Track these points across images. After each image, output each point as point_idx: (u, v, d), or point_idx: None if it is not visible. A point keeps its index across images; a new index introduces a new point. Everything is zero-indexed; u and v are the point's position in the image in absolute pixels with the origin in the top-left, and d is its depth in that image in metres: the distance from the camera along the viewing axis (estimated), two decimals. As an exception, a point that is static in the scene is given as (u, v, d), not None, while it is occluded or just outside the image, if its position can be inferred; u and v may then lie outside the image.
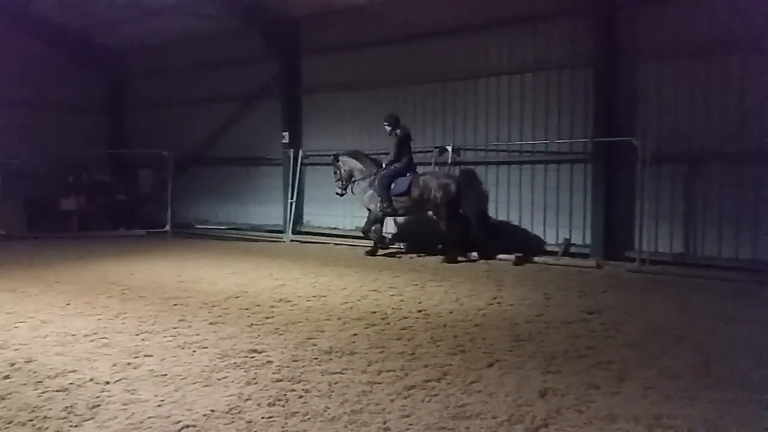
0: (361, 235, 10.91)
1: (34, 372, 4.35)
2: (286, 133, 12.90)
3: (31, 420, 3.54)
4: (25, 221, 13.98)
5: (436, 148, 10.98)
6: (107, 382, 4.17)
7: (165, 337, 5.33)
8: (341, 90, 12.48)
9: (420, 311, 6.33)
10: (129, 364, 4.57)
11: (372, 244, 10.49)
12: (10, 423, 3.49)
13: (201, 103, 14.83)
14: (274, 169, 13.47)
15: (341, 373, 4.38)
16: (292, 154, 12.77)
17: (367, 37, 11.93)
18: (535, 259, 9.51)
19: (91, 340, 5.18)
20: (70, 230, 13.78)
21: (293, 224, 12.82)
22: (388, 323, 5.85)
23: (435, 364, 4.58)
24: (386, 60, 11.80)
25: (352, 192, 10.86)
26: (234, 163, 14.36)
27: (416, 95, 11.45)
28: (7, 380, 4.18)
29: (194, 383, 4.18)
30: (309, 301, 6.84)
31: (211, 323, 5.82)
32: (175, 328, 5.63)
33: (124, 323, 5.77)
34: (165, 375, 4.34)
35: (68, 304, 6.54)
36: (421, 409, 3.72)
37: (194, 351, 4.92)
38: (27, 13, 14.41)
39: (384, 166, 10.34)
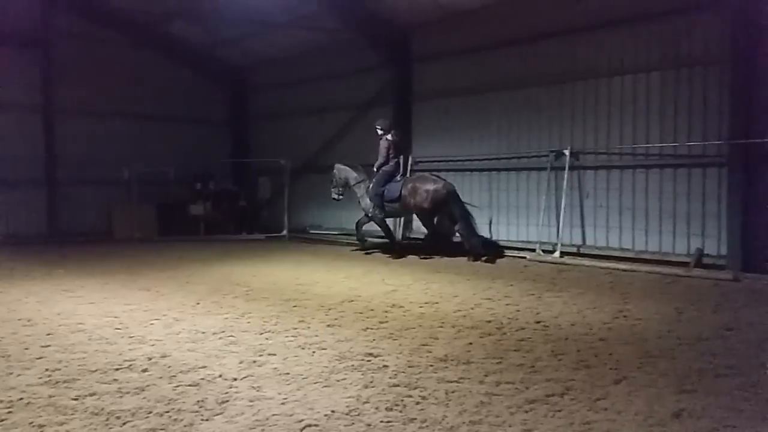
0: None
1: (169, 366, 4.65)
2: (395, 141, 13.05)
3: (167, 412, 3.76)
4: (157, 225, 15.18)
5: (552, 152, 10.60)
6: (234, 379, 4.36)
7: (286, 337, 5.51)
8: (453, 95, 12.40)
9: (538, 322, 6.09)
10: (254, 362, 4.76)
11: (391, 245, 11.27)
12: (149, 413, 3.73)
13: (316, 113, 15.37)
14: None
15: (458, 382, 4.30)
16: (401, 161, 12.86)
17: (480, 41, 11.78)
18: (664, 271, 8.88)
19: (220, 338, 5.46)
20: (197, 234, 14.77)
21: (403, 230, 12.89)
22: (505, 333, 5.68)
23: (557, 379, 4.37)
24: (499, 63, 11.58)
25: (341, 196, 11.85)
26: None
27: (531, 98, 11.13)
28: (146, 373, 4.49)
29: (315, 383, 4.28)
30: (421, 307, 6.81)
31: (328, 325, 5.95)
32: (296, 328, 5.81)
33: (249, 322, 6.04)
34: (288, 374, 4.47)
35: (198, 303, 6.96)
36: (544, 424, 3.56)
37: (314, 352, 5.04)
38: (160, 34, 15.72)
39: (375, 170, 10.95)
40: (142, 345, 5.23)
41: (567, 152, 10.38)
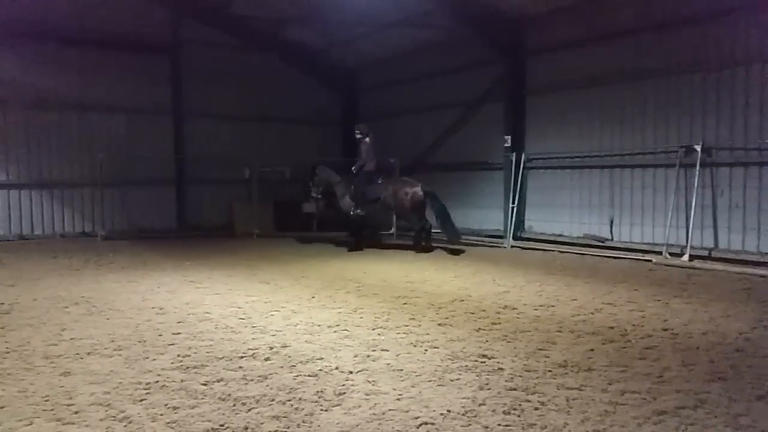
0: (598, 243, 10.67)
1: (289, 357, 4.81)
2: (508, 137, 12.73)
3: (289, 400, 3.89)
4: (274, 222, 15.87)
5: (681, 147, 9.86)
6: (350, 372, 4.44)
7: (398, 333, 5.53)
8: (569, 89, 11.92)
9: (666, 330, 5.68)
10: (368, 356, 4.82)
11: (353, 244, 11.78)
12: (272, 401, 3.88)
13: (426, 110, 15.39)
14: (495, 173, 13.39)
15: (579, 389, 4.09)
16: (513, 158, 12.55)
17: (598, 31, 11.24)
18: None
19: (334, 331, 5.59)
20: (310, 231, 15.28)
21: (514, 230, 12.58)
22: (629, 341, 5.35)
23: (688, 390, 4.05)
24: (620, 54, 10.97)
25: (319, 196, 12.43)
26: (455, 168, 14.61)
27: (657, 90, 10.44)
28: (268, 362, 4.68)
29: (429, 381, 4.25)
30: (536, 310, 6.59)
31: (439, 324, 5.91)
32: (407, 326, 5.83)
33: (361, 317, 6.14)
34: (401, 370, 4.48)
35: (313, 297, 7.18)
36: (677, 439, 3.30)
37: (426, 350, 5.02)
38: (278, 39, 16.42)
39: (354, 170, 11.55)
40: (264, 335, 5.46)
41: (698, 148, 9.62)
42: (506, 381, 4.27)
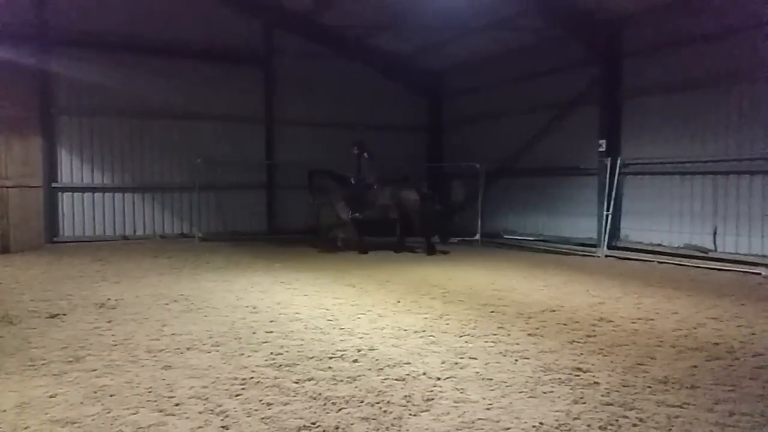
0: (701, 253, 10.16)
1: (376, 360, 4.84)
2: (602, 141, 12.22)
3: (378, 403, 3.90)
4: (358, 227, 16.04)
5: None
6: (438, 378, 4.40)
7: (486, 342, 5.43)
8: (669, 91, 11.30)
9: (781, 349, 5.25)
10: (456, 363, 4.76)
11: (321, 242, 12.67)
12: (361, 402, 3.91)
13: (513, 115, 15.11)
14: (588, 179, 12.89)
15: (681, 407, 3.85)
16: (609, 163, 12.04)
17: (701, 29, 10.58)
18: None
19: (421, 337, 5.56)
20: (394, 236, 15.31)
21: (609, 238, 12.05)
22: (737, 358, 4.97)
23: (810, 416, 3.70)
24: (726, 54, 10.28)
25: (308, 201, 13.30)
26: (545, 174, 14.22)
27: (765, 93, 9.70)
28: (356, 364, 4.73)
29: (520, 392, 4.14)
30: (634, 323, 6.26)
31: (529, 334, 5.74)
32: (495, 334, 5.71)
33: (447, 324, 6.08)
34: (491, 379, 4.39)
35: (398, 302, 7.19)
36: (799, 469, 3.01)
37: (516, 360, 4.89)
38: (365, 46, 16.67)
39: (353, 181, 12.39)
40: (351, 337, 5.52)
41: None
42: (602, 395, 4.08)
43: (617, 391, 4.17)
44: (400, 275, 9.40)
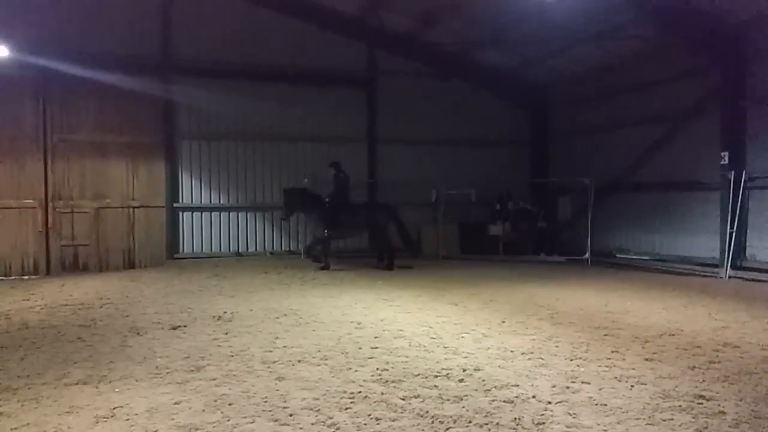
0: None
1: (483, 380, 4.76)
2: (725, 154, 11.35)
3: (486, 424, 3.84)
4: (459, 244, 15.97)
5: None
6: (549, 402, 4.25)
7: (600, 366, 5.18)
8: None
9: None
10: (567, 387, 4.58)
11: (321, 262, 12.79)
12: (469, 422, 3.86)
13: (624, 127, 14.44)
14: (709, 194, 12.01)
15: (828, 447, 3.47)
16: (732, 177, 11.16)
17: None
18: None
19: (529, 359, 5.41)
20: (495, 254, 15.10)
21: (732, 258, 11.15)
22: None
23: None
24: None
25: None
26: (660, 189, 13.41)
27: None
28: (462, 384, 4.68)
29: (637, 419, 3.93)
30: (765, 350, 5.74)
31: (646, 359, 5.42)
32: (609, 358, 5.44)
33: (557, 346, 5.87)
34: (605, 405, 4.19)
35: (503, 322, 7.04)
36: None
37: (632, 385, 4.64)
38: (467, 62, 16.66)
39: (327, 200, 12.87)
40: (456, 356, 5.47)
41: None
42: (730, 426, 3.79)
43: (747, 422, 3.85)
44: (504, 294, 9.20)
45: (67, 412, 4.09)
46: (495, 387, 4.59)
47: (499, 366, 5.18)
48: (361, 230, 13.60)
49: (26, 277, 13.46)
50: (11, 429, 3.81)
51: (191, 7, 15.07)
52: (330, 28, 16.10)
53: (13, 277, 13.47)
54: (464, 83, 17.19)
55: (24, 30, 13.34)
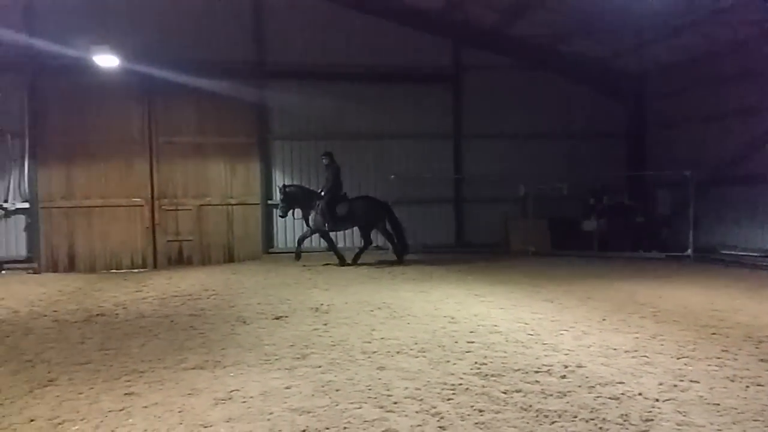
0: None
1: (586, 377, 4.69)
2: None
3: (592, 419, 3.80)
4: (549, 239, 15.61)
5: None
6: (656, 400, 4.15)
7: (709, 365, 4.97)
8: None
9: None
10: (675, 386, 4.44)
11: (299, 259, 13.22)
12: (575, 417, 3.83)
13: (726, 117, 13.61)
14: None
15: None
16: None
17: None
18: None
19: (632, 357, 5.26)
20: (590, 250, 14.64)
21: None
22: None
23: None
24: None
25: (293, 216, 13.76)
26: (768, 181, 12.57)
27: None
28: (564, 380, 4.63)
29: (755, 420, 3.77)
30: None
31: (761, 360, 5.14)
32: (719, 358, 5.20)
33: (662, 345, 5.67)
34: (717, 404, 4.04)
35: (604, 320, 6.86)
36: None
37: (747, 386, 4.43)
38: (555, 54, 16.25)
39: (323, 193, 12.97)
40: (556, 353, 5.41)
41: None
42: None
43: None
44: (602, 292, 8.94)
45: (189, 394, 4.42)
46: (599, 384, 4.51)
47: (601, 363, 5.08)
48: (357, 222, 13.55)
49: (136, 271, 14.49)
50: (142, 407, 4.17)
51: (281, 12, 15.64)
52: (415, 25, 16.20)
53: (124, 271, 14.54)
54: (553, 75, 16.80)
55: (131, 40, 14.33)
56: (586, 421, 3.76)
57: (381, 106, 16.21)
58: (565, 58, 16.37)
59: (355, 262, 13.20)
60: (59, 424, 3.91)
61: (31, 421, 3.97)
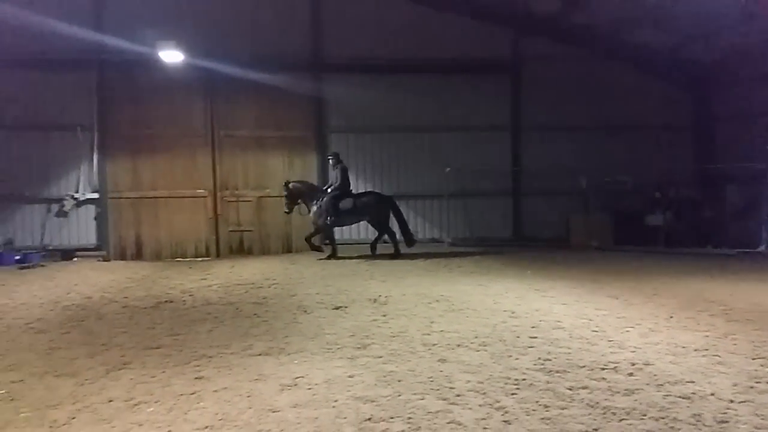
0: None
1: (654, 375, 4.54)
2: None
3: (662, 418, 3.69)
4: (612, 234, 15.18)
5: None
6: (731, 401, 3.98)
7: (793, 368, 4.74)
8: None
9: None
10: (751, 387, 4.25)
11: (326, 251, 13.36)
12: (644, 416, 3.72)
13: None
14: None
15: None
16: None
17: None
18: None
19: (703, 356, 5.07)
20: (655, 245, 14.16)
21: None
22: None
23: None
24: None
25: (299, 213, 13.59)
26: None
27: None
28: (632, 377, 4.50)
29: (844, 428, 3.55)
30: None
31: None
32: (799, 360, 4.95)
33: (735, 344, 5.42)
34: (801, 410, 3.84)
35: (671, 317, 6.63)
36: None
37: (833, 391, 4.19)
38: (619, 43, 15.74)
39: (329, 190, 13.20)
40: (622, 350, 5.26)
41: None
42: None
43: None
44: (669, 288, 8.62)
45: (256, 380, 4.54)
46: (668, 382, 4.37)
47: (670, 362, 4.92)
48: (361, 218, 13.70)
49: (199, 259, 14.99)
50: (212, 391, 4.32)
51: (337, 6, 15.77)
52: (473, 14, 16.03)
53: (189, 259, 15.06)
54: (616, 65, 16.34)
55: (193, 37, 14.79)
56: (656, 420, 3.65)
57: (438, 97, 16.14)
58: (630, 47, 15.86)
59: (373, 251, 13.32)
60: (135, 405, 4.09)
61: (110, 401, 4.17)
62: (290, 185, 13.50)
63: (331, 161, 13.79)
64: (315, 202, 13.25)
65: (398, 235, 13.59)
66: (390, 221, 13.56)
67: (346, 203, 13.19)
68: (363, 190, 14.26)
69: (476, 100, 16.28)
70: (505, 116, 16.51)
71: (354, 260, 12.57)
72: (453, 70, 16.14)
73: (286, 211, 13.60)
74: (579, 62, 16.30)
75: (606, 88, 16.24)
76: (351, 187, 13.58)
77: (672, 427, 3.55)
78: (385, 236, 13.61)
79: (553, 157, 16.16)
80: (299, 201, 13.45)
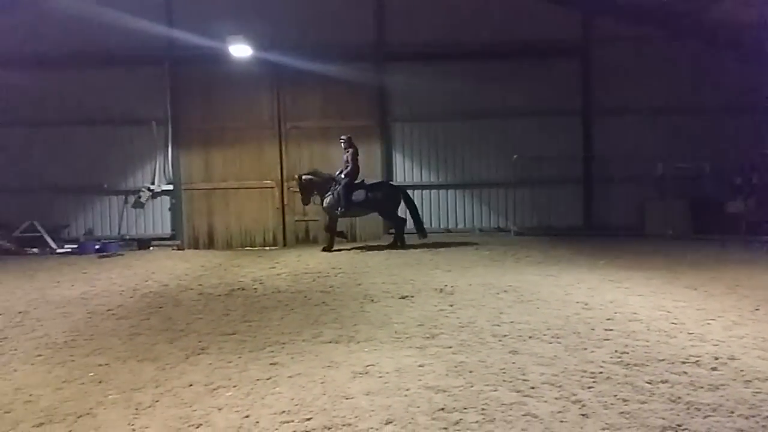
0: None
1: (741, 370, 4.32)
2: None
3: (753, 416, 3.51)
4: (690, 222, 14.47)
5: None
6: (831, 402, 3.73)
7: None
8: None
9: None
10: None
11: (328, 242, 13.30)
12: (731, 413, 3.55)
13: None
14: None
15: None
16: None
17: None
18: None
19: (796, 351, 4.77)
20: (735, 233, 13.40)
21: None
22: None
23: None
24: None
25: (314, 203, 13.53)
26: None
27: None
28: (716, 372, 4.30)
29: None
30: None
31: None
32: None
33: (831, 340, 5.08)
34: None
35: (757, 309, 6.27)
36: None
37: None
38: (698, 21, 14.88)
39: (343, 176, 12.96)
40: (704, 343, 5.03)
41: None
42: None
43: None
44: (752, 279, 8.17)
45: (328, 366, 4.62)
46: (757, 378, 4.14)
47: (757, 356, 4.66)
48: (372, 209, 13.44)
49: (267, 248, 15.37)
50: (287, 377, 4.42)
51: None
52: (543, -1, 15.58)
53: (257, 248, 15.47)
54: (692, 44, 15.49)
55: (260, 30, 15.07)
56: (746, 418, 3.46)
57: (504, 83, 15.83)
58: (709, 25, 14.97)
59: (402, 244, 13.34)
60: (214, 389, 4.24)
61: (190, 385, 4.33)
62: (303, 179, 13.54)
63: (342, 144, 13.64)
64: (329, 191, 13.26)
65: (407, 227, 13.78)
66: (400, 212, 13.70)
67: (359, 194, 13.16)
68: (374, 181, 14.04)
69: (544, 84, 15.83)
70: (576, 100, 15.97)
71: (418, 249, 12.54)
72: (519, 55, 15.75)
73: (304, 203, 13.72)
74: (653, 43, 15.58)
75: (682, 69, 15.46)
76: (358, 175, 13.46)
77: (764, 426, 3.37)
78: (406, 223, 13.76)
79: (625, 142, 15.54)
80: (315, 192, 13.49)
